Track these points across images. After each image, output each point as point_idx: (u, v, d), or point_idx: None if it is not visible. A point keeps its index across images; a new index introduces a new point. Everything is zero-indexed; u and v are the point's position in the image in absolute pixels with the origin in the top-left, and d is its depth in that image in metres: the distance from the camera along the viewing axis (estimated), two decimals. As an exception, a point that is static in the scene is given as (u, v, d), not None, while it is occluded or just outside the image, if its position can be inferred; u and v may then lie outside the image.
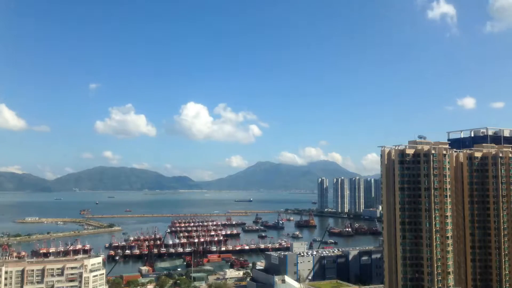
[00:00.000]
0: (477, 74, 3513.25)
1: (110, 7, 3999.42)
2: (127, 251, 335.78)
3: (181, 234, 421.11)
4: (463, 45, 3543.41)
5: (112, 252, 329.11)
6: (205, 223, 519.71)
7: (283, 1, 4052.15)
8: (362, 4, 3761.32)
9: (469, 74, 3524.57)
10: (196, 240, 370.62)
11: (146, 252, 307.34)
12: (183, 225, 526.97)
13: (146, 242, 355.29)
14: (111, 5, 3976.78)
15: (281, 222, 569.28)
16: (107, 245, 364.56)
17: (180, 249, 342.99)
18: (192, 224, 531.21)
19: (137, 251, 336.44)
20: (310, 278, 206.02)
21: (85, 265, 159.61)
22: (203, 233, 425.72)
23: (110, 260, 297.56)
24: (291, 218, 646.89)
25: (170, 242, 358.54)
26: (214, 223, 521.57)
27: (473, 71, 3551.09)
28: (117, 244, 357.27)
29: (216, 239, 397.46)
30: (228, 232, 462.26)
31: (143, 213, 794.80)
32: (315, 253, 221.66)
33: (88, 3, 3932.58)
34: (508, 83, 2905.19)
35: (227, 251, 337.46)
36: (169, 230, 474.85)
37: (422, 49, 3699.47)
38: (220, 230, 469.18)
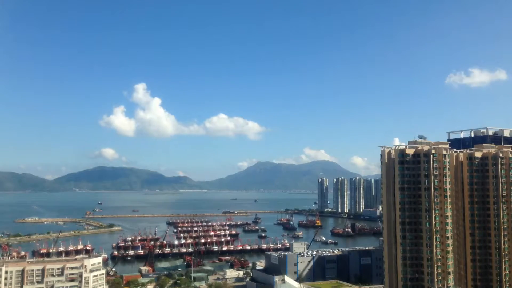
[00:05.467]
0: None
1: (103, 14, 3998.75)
2: (131, 252, 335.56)
3: (186, 234, 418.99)
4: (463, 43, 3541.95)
5: (116, 253, 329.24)
6: (209, 223, 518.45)
7: (282, 6, 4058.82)
8: (361, 3, 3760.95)
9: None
10: (202, 240, 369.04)
11: (151, 252, 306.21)
12: (186, 225, 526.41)
13: (152, 242, 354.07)
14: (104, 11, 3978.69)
15: (291, 223, 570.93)
16: (114, 245, 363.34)
17: (184, 249, 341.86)
18: (195, 224, 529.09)
19: (141, 252, 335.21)
20: (310, 278, 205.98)
21: (85, 265, 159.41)
22: (209, 233, 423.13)
23: (115, 260, 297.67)
24: (289, 218, 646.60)
25: (176, 242, 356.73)
26: (219, 223, 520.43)
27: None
28: (122, 244, 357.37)
29: (223, 239, 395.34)
30: (228, 232, 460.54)
31: (144, 213, 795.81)
32: (315, 253, 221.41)
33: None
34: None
35: (238, 251, 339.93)
36: (175, 230, 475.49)
37: (422, 49, 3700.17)
38: (226, 230, 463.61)
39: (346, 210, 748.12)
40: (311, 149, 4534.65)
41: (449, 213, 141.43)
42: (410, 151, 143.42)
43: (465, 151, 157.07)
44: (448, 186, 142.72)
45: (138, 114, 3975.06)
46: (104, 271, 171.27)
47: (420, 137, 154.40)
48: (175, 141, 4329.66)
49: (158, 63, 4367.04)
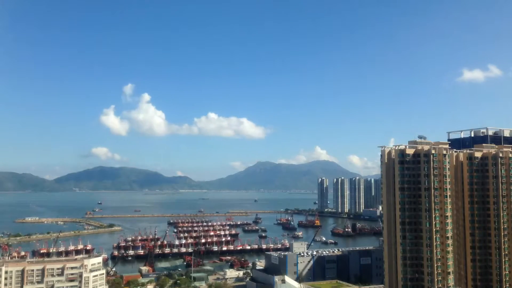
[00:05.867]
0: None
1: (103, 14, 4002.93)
2: (131, 252, 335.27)
3: (186, 234, 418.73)
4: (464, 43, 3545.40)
5: (116, 253, 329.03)
6: (209, 223, 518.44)
7: (282, 6, 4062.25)
8: (361, 3, 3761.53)
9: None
10: (202, 240, 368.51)
11: (151, 252, 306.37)
12: (186, 225, 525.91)
13: (152, 242, 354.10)
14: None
15: (291, 223, 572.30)
16: (114, 245, 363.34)
17: (184, 249, 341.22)
18: (195, 224, 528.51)
19: (141, 252, 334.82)
20: (310, 278, 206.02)
21: (85, 265, 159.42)
22: (209, 233, 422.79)
23: (115, 260, 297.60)
24: (289, 218, 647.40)
25: (176, 242, 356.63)
26: (219, 223, 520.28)
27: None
28: (123, 244, 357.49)
29: (223, 239, 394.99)
30: (228, 232, 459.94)
31: (144, 213, 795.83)
32: (315, 253, 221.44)
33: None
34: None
35: (238, 251, 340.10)
36: (175, 230, 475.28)
37: (422, 49, 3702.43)
38: (226, 230, 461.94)
39: (346, 210, 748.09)
40: (311, 149, 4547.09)
41: (449, 213, 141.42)
42: (410, 151, 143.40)
43: (465, 151, 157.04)
44: (448, 186, 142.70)
45: (136, 113, 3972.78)
46: (104, 271, 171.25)
47: (420, 137, 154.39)
48: (173, 141, 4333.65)
49: (157, 63, 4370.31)
